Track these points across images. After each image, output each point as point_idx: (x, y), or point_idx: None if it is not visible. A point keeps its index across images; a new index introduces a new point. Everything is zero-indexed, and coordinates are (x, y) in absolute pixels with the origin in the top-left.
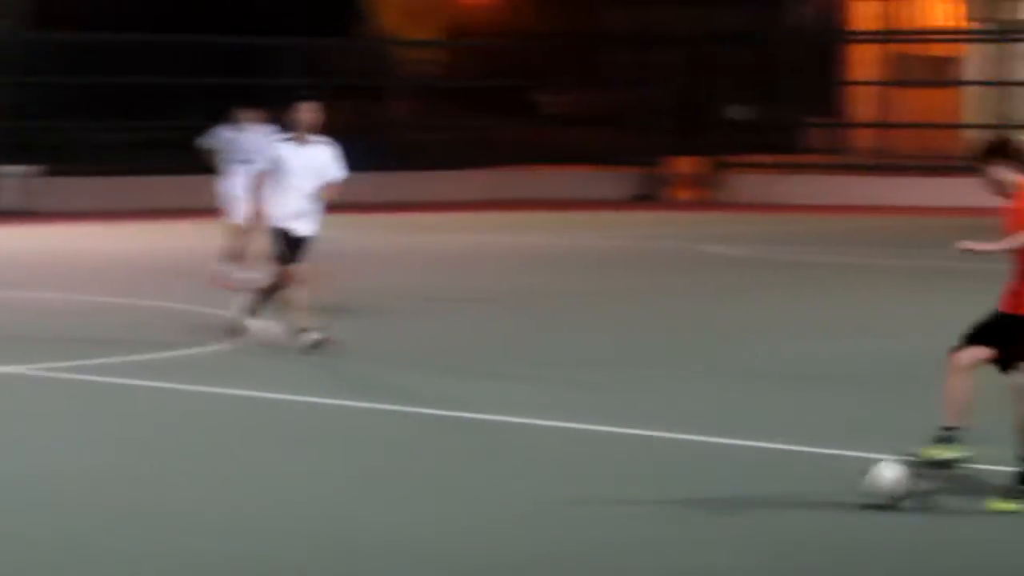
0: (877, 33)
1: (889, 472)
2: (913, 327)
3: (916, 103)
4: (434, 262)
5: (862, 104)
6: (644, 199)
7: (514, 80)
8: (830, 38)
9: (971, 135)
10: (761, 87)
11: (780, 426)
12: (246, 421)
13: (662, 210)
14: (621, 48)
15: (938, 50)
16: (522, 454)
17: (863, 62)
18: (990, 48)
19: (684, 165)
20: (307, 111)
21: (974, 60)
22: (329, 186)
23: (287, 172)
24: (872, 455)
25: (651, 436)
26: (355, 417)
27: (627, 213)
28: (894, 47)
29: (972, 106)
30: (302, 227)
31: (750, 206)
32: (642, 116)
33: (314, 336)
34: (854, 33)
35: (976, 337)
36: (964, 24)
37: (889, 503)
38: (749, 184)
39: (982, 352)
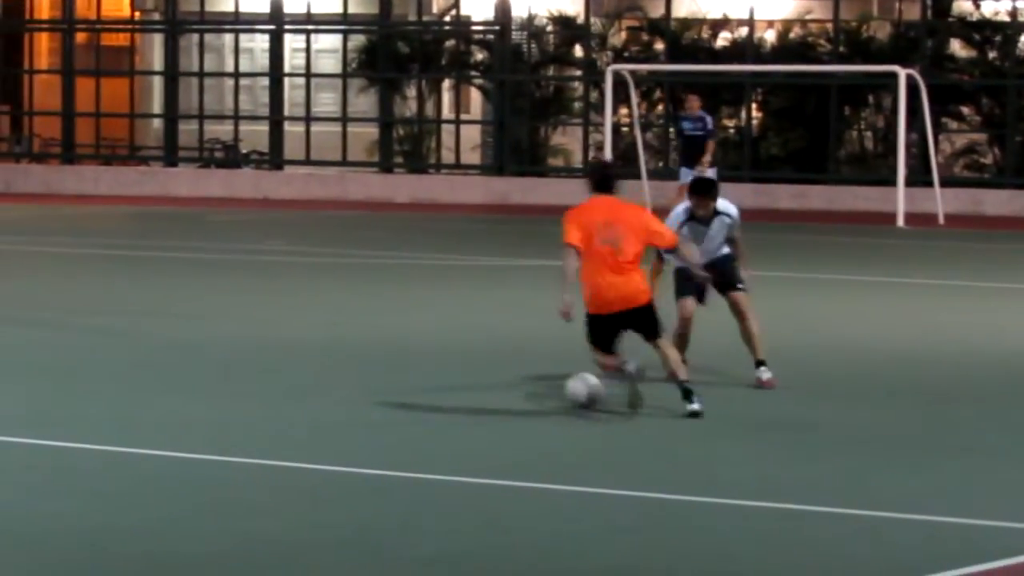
0: (55, 22)
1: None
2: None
3: (96, 92)
4: None
5: (43, 93)
6: None
7: None
8: (10, 27)
9: (148, 124)
10: None
11: None
12: None
13: None
14: None
15: (113, 40)
16: None
17: (43, 51)
18: (162, 39)
19: None
20: None
21: (148, 50)
22: None
23: None
24: None
25: None
26: None
27: None
28: (73, 36)
29: (148, 95)
30: None
31: None
32: None
33: None
34: (33, 21)
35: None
36: (134, 15)
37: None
38: None
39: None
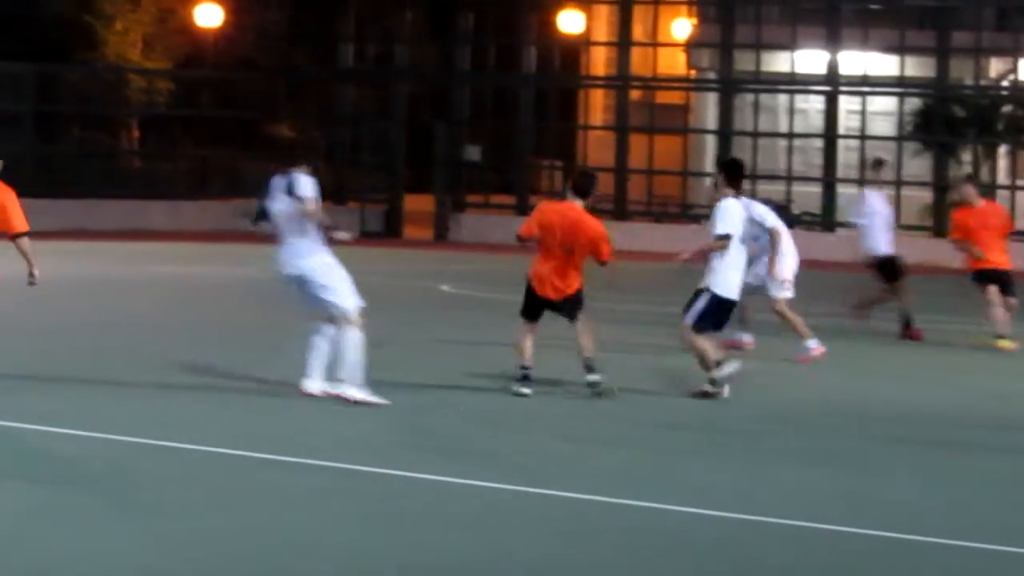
0: (611, 79)
1: None
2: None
3: (648, 149)
4: (179, 293)
5: (596, 148)
6: (378, 236)
7: (247, 112)
8: (565, 83)
9: (700, 183)
10: (495, 128)
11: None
12: None
13: (396, 247)
14: (356, 84)
15: (668, 97)
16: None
17: (597, 107)
18: (716, 97)
19: (417, 203)
20: None
21: (702, 108)
22: None
23: None
24: None
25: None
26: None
27: (362, 249)
28: (627, 93)
29: (700, 153)
30: None
31: (482, 246)
32: (376, 153)
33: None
34: (589, 78)
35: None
36: (692, 73)
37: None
38: (482, 224)
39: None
